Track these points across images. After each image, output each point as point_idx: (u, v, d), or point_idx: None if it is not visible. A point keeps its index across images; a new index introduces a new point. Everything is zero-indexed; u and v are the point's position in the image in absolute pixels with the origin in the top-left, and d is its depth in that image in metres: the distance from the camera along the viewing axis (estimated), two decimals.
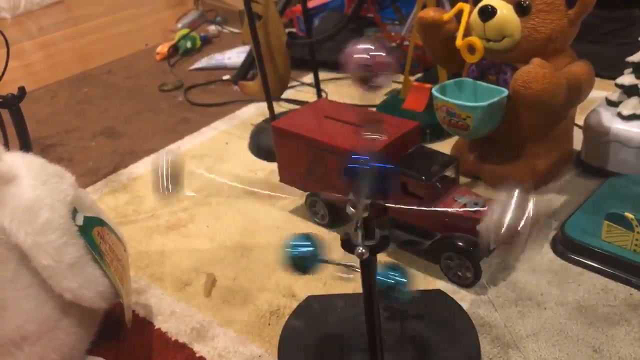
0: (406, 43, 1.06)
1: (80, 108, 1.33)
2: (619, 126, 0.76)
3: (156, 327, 0.65)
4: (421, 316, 0.57)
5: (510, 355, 0.56)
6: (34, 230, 0.50)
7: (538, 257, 0.68)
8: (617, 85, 0.78)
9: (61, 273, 0.51)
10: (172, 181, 0.49)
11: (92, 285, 0.54)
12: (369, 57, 0.38)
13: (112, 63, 1.61)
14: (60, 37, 2.01)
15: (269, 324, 0.64)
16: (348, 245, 0.43)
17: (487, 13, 0.71)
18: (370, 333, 0.45)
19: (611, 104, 0.79)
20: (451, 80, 0.79)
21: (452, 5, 0.90)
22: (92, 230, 0.57)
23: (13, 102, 0.66)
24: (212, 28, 1.72)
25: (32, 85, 1.51)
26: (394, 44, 1.09)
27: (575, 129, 0.85)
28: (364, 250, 0.42)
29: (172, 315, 0.67)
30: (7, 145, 0.72)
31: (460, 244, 0.64)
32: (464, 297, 0.64)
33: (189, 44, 1.56)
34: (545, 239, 0.71)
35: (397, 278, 0.43)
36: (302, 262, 0.45)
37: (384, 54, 0.38)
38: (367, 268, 0.42)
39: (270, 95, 0.94)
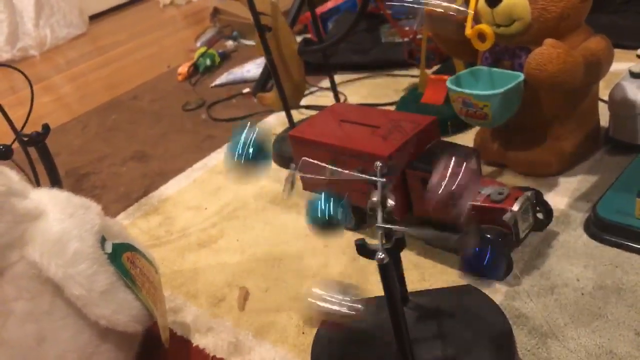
0: (419, 37, 1.05)
1: (109, 135, 1.37)
2: None
3: (194, 344, 0.66)
4: (452, 312, 0.56)
5: (549, 345, 0.55)
6: (64, 262, 0.52)
7: (572, 241, 0.67)
8: (638, 56, 0.75)
9: (94, 301, 0.53)
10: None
11: (125, 310, 0.55)
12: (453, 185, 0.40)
13: (137, 88, 1.66)
14: (87, 68, 2.08)
15: (303, 333, 0.64)
16: (364, 251, 0.42)
17: None
18: (397, 335, 0.45)
19: (635, 75, 0.76)
20: (465, 70, 0.77)
21: None
22: (121, 257, 0.58)
23: (38, 140, 0.68)
24: (230, 43, 1.75)
25: (64, 118, 1.57)
26: (406, 39, 1.08)
27: (602, 104, 0.82)
28: (384, 255, 0.42)
29: (209, 332, 0.68)
30: (37, 182, 0.75)
31: (488, 236, 0.63)
32: (497, 290, 0.63)
33: (208, 62, 1.59)
34: (578, 222, 0.69)
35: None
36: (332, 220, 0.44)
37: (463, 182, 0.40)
38: (387, 272, 0.42)
39: (287, 105, 0.95)
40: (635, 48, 0.77)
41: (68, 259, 0.52)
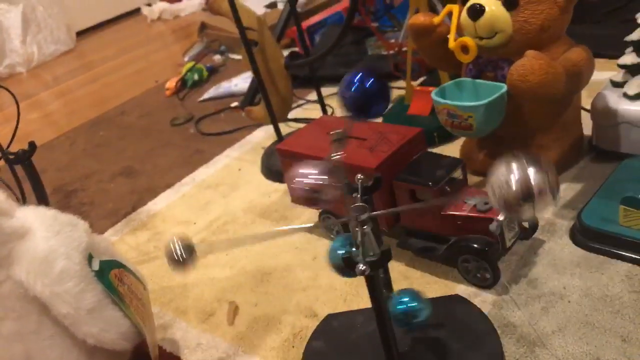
0: (405, 49, 1.06)
1: (97, 151, 1.37)
2: (626, 107, 0.74)
3: None
4: (441, 323, 0.56)
5: (537, 354, 0.55)
6: (50, 280, 0.51)
7: (558, 249, 0.67)
8: (619, 66, 0.77)
9: (81, 319, 0.52)
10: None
11: (113, 328, 0.55)
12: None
13: (125, 104, 1.66)
14: (75, 84, 2.08)
15: (293, 346, 0.64)
16: (350, 263, 0.43)
17: (476, 12, 0.71)
18: (385, 345, 0.45)
19: (616, 85, 0.77)
20: (450, 82, 0.78)
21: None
22: (109, 274, 0.58)
23: (24, 157, 0.68)
24: (218, 57, 1.75)
25: (52, 134, 1.56)
26: (392, 52, 1.09)
27: (585, 113, 0.83)
28: (364, 267, 0.42)
29: (198, 347, 0.67)
30: (24, 199, 0.74)
31: (475, 245, 0.63)
32: (486, 299, 0.63)
33: (196, 76, 1.59)
34: (564, 231, 0.69)
35: (409, 304, 0.43)
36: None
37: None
38: (372, 284, 0.42)
39: (275, 118, 0.96)
40: (616, 58, 0.78)
41: (54, 277, 0.52)
